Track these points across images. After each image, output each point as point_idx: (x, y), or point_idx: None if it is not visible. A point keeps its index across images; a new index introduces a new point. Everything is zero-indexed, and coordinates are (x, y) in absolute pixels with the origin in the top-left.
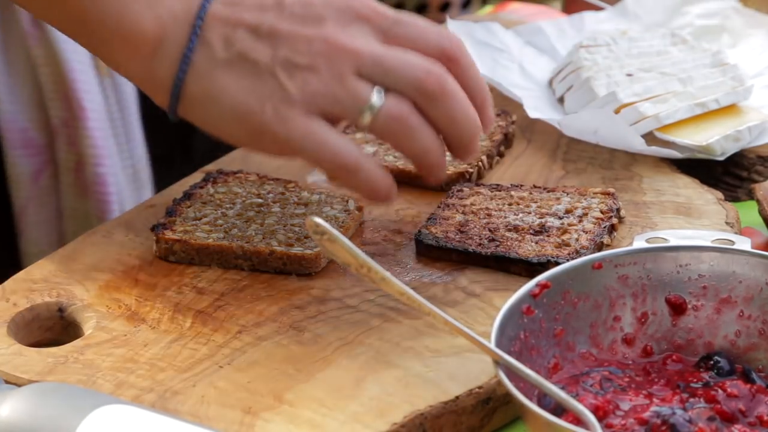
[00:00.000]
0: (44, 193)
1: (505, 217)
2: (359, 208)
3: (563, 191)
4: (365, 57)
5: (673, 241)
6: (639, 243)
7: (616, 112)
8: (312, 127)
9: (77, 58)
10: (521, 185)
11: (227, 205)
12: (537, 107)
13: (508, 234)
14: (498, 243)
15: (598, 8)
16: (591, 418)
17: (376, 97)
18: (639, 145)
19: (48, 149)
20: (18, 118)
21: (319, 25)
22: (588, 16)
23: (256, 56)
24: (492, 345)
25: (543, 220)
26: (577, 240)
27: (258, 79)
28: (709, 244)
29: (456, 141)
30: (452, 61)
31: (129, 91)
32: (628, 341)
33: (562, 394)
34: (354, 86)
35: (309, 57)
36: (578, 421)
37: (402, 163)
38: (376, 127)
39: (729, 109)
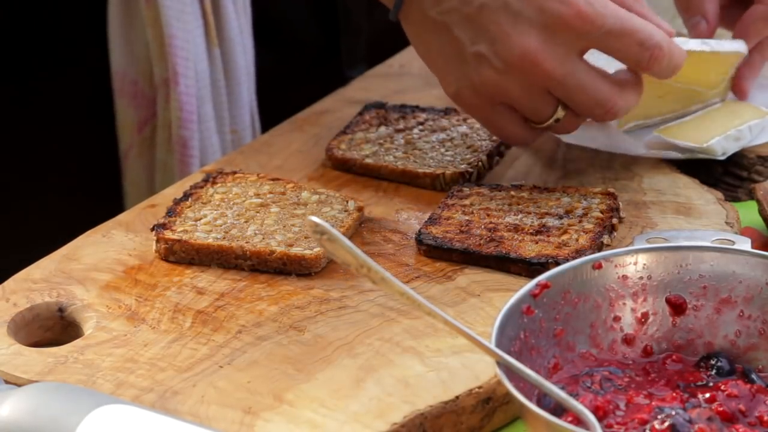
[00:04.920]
0: (144, 144)
1: (505, 217)
2: (359, 208)
3: (563, 191)
4: (554, 80)
5: (673, 241)
6: (639, 243)
7: None
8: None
9: (181, 25)
10: (521, 185)
11: (227, 205)
12: None
13: (508, 234)
14: (498, 243)
15: None
16: (591, 418)
17: (559, 114)
18: (639, 150)
19: (153, 103)
20: (130, 71)
21: (524, 31)
22: None
23: (458, 34)
24: (492, 345)
25: (543, 220)
26: (577, 240)
27: (454, 55)
28: (709, 244)
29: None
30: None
31: (241, 63)
32: (628, 341)
33: (562, 394)
34: (539, 100)
35: (504, 64)
36: (578, 421)
37: (402, 164)
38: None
39: (729, 109)
